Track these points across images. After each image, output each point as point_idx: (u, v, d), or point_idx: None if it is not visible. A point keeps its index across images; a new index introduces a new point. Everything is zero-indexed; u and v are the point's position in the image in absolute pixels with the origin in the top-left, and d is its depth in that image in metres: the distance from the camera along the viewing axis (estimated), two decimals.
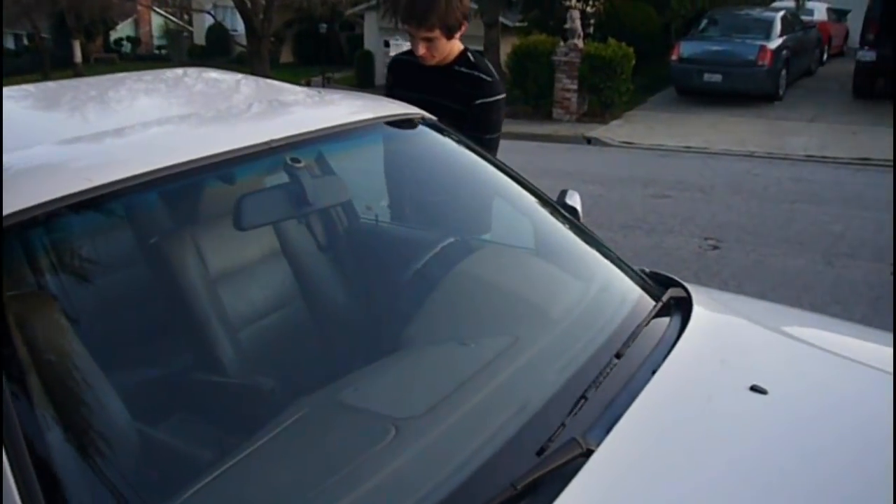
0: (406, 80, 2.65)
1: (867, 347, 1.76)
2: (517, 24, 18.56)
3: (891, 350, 1.70)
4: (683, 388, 1.47)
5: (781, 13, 13.35)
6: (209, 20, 28.68)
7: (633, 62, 12.24)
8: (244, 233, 1.62)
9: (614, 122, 12.31)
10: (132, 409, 1.39)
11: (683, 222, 6.66)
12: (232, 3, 24.54)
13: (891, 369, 1.59)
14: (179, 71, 2.25)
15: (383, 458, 1.24)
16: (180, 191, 1.53)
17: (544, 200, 2.04)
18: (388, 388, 1.50)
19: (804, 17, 15.06)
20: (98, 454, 1.27)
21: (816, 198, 7.56)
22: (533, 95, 13.00)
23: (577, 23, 12.43)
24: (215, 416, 1.78)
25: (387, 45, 21.42)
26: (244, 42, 25.30)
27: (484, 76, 2.66)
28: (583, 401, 1.36)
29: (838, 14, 17.81)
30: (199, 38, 30.65)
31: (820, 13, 16.88)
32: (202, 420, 1.78)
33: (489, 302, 1.81)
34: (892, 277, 5.22)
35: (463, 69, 2.65)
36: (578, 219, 2.05)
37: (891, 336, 1.79)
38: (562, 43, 12.56)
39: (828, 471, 1.30)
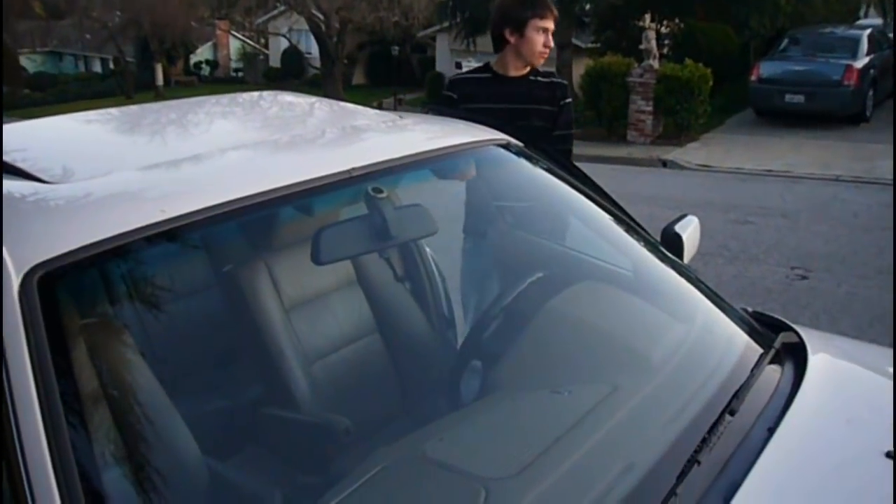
0: (483, 94, 2.72)
1: None
2: (590, 46, 18.38)
3: None
4: (807, 453, 1.31)
5: (868, 31, 12.82)
6: (284, 43, 29.35)
7: (711, 83, 11.92)
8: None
9: (691, 145, 12.00)
10: (201, 441, 1.31)
11: (768, 250, 6.36)
12: (307, 27, 25.10)
13: None
14: (255, 94, 2.20)
15: None
16: (255, 222, 1.45)
17: (639, 230, 1.89)
18: (476, 442, 1.38)
19: (892, 35, 14.45)
20: (165, 488, 1.19)
21: None
22: (607, 117, 12.79)
23: (653, 43, 12.19)
24: (287, 452, 1.69)
25: (459, 66, 21.55)
26: (318, 64, 25.84)
27: (559, 79, 2.90)
28: (695, 465, 1.21)
29: None
30: (275, 61, 31.37)
31: None
32: (273, 456, 1.70)
33: (584, 344, 1.67)
34: None
35: (540, 78, 2.82)
36: (681, 248, 1.90)
37: None
38: (636, 64, 12.34)
39: None
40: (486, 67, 2.84)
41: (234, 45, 35.57)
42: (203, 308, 1.78)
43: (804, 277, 5.66)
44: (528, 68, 2.78)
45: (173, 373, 1.44)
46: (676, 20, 15.95)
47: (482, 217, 2.12)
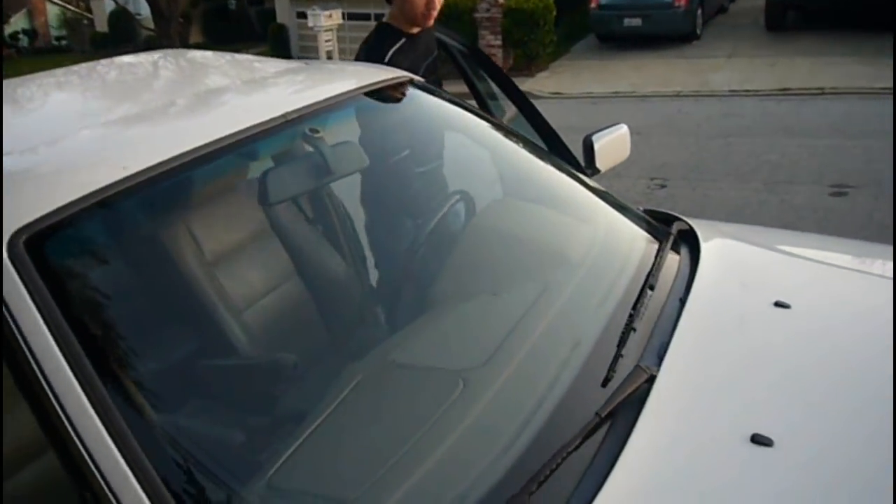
0: (407, 61, 2.61)
1: (865, 258, 1.88)
2: None
3: (890, 261, 1.81)
4: (716, 313, 1.56)
5: None
6: (110, 5, 27.48)
7: (554, 13, 12.32)
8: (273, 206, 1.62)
9: (541, 74, 12.41)
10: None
11: (627, 165, 6.70)
12: None
13: (891, 276, 1.72)
14: (156, 54, 2.21)
15: (463, 408, 1.28)
16: (207, 171, 1.51)
17: (542, 150, 2.09)
18: (437, 344, 1.54)
19: None
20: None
21: (748, 130, 7.82)
22: None
23: None
24: (242, 397, 1.77)
25: (303, 16, 20.99)
26: (150, 25, 24.43)
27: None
28: (632, 332, 1.43)
29: None
30: (102, 25, 29.33)
31: None
32: (235, 402, 1.77)
33: (508, 252, 1.86)
34: (831, 199, 5.49)
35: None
36: (593, 158, 2.12)
37: (884, 247, 1.92)
38: None
39: (858, 374, 1.40)
40: (393, 31, 2.74)
41: (53, 11, 33.01)
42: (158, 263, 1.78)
43: (663, 186, 6.13)
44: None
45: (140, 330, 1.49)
46: None
47: (399, 151, 2.24)
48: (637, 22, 12.67)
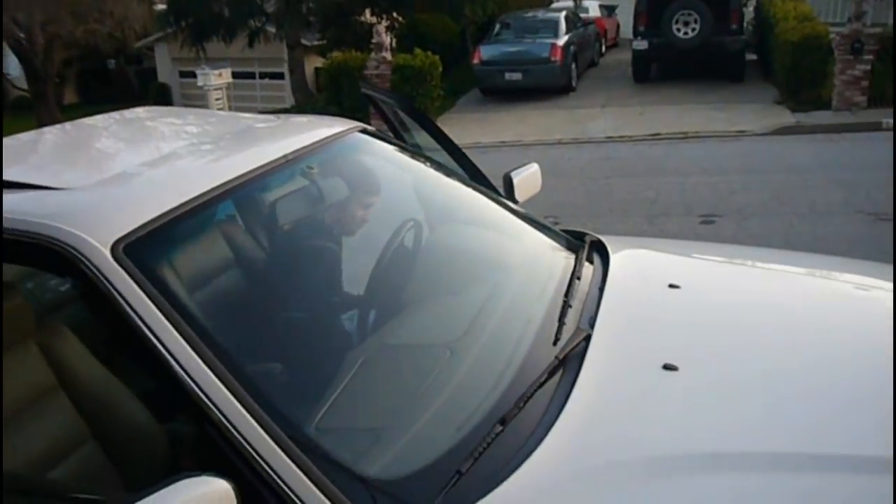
0: None
1: (735, 256, 2.45)
2: (315, 43, 18.95)
3: (750, 250, 2.39)
4: (627, 294, 2.06)
5: (564, 13, 14.75)
6: None
7: (440, 69, 13.07)
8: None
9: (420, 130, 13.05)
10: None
11: (521, 206, 7.43)
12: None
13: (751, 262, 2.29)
14: (135, 112, 2.56)
15: (457, 365, 1.72)
16: (243, 197, 1.88)
17: (476, 184, 2.57)
18: (418, 328, 1.96)
19: (582, 15, 16.67)
20: None
21: (625, 171, 8.65)
22: (349, 110, 13.48)
23: (384, 37, 13.09)
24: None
25: (186, 75, 21.06)
26: (22, 85, 23.74)
27: None
28: (569, 307, 1.90)
29: (609, 10, 19.81)
30: None
31: (594, 10, 18.71)
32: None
33: (460, 264, 2.30)
34: (701, 227, 6.25)
35: None
36: (513, 191, 2.61)
37: (751, 249, 2.49)
38: (371, 57, 13.17)
39: (730, 324, 1.93)
40: None
41: None
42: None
43: (556, 223, 6.74)
44: None
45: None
46: (394, 14, 17.06)
47: (363, 187, 2.65)
48: (517, 76, 13.60)
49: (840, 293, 2.27)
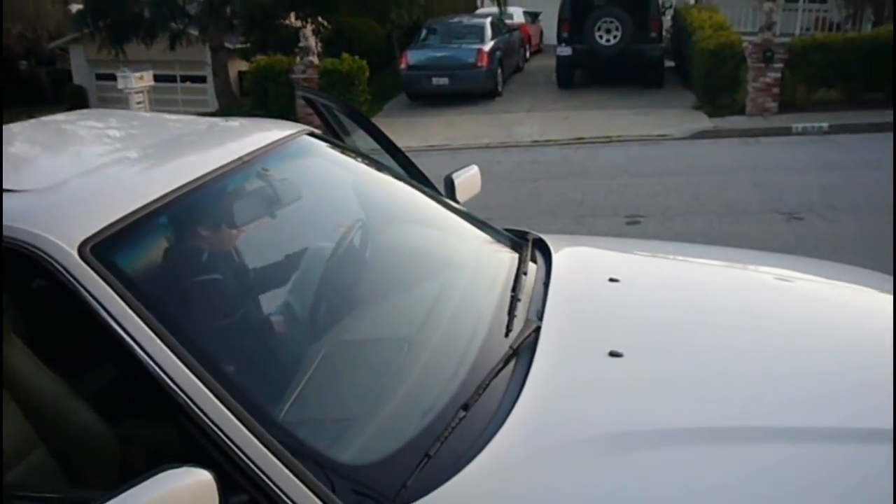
0: None
1: (669, 252, 2.60)
2: (239, 46, 18.70)
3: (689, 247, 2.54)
4: (571, 287, 2.18)
5: (489, 19, 15.00)
6: None
7: (368, 73, 13.11)
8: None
9: (359, 132, 13.07)
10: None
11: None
12: None
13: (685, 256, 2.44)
14: (83, 114, 2.56)
15: (416, 359, 1.80)
16: (202, 199, 1.91)
17: (422, 186, 2.66)
18: (373, 324, 2.04)
19: (507, 21, 16.97)
20: None
21: (552, 174, 8.88)
22: (276, 114, 13.36)
23: (311, 41, 13.06)
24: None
25: (103, 77, 20.49)
26: None
27: None
28: (518, 301, 2.01)
29: (532, 16, 20.21)
30: None
31: (518, 16, 19.07)
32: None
33: (409, 262, 2.39)
34: (627, 227, 6.49)
35: None
36: (454, 192, 2.71)
37: (690, 246, 2.65)
38: (298, 61, 13.11)
39: (665, 313, 2.07)
40: None
41: None
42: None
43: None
44: None
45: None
46: (320, 18, 16.99)
47: (312, 187, 2.70)
48: (444, 81, 13.76)
49: (761, 282, 2.45)
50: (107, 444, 1.83)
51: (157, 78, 16.55)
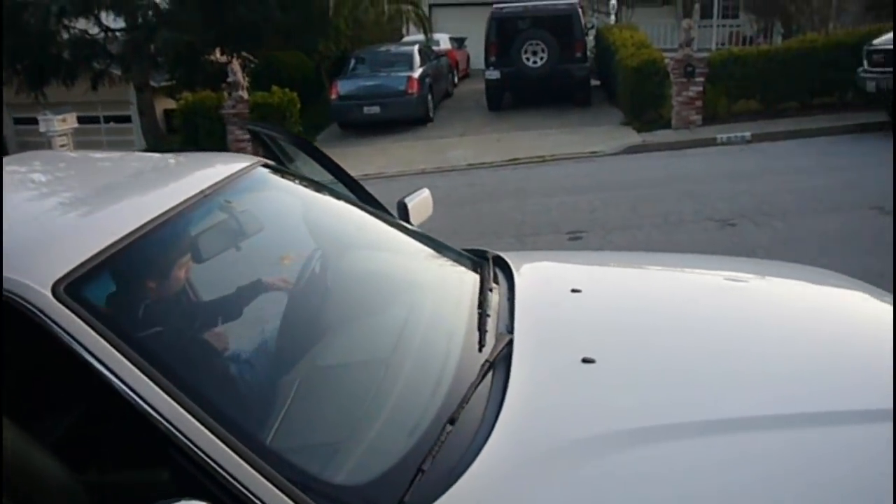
0: None
1: (617, 259, 2.68)
2: (164, 84, 18.45)
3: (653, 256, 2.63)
4: (536, 300, 2.23)
5: (416, 46, 15.17)
6: None
7: (299, 105, 13.09)
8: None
9: (294, 164, 13.02)
10: None
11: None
12: None
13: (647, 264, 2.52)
14: (33, 155, 2.52)
15: (395, 380, 1.82)
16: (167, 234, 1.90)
17: (378, 212, 2.69)
18: (346, 349, 2.05)
19: (434, 48, 17.19)
20: None
21: (490, 196, 8.99)
22: (208, 150, 13.23)
23: (240, 75, 12.97)
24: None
25: (24, 122, 19.91)
26: None
27: None
28: (487, 317, 2.05)
29: (459, 42, 20.55)
30: None
31: (444, 42, 19.35)
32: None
33: (373, 287, 2.41)
34: (570, 242, 6.62)
35: None
36: (408, 215, 2.75)
37: (652, 255, 2.74)
38: (227, 96, 13.01)
39: (627, 320, 2.14)
40: None
41: None
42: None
43: None
44: None
45: None
46: (245, 53, 16.90)
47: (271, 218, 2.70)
48: (376, 109, 13.84)
49: (714, 284, 2.54)
50: (73, 494, 1.79)
51: (80, 119, 16.19)
